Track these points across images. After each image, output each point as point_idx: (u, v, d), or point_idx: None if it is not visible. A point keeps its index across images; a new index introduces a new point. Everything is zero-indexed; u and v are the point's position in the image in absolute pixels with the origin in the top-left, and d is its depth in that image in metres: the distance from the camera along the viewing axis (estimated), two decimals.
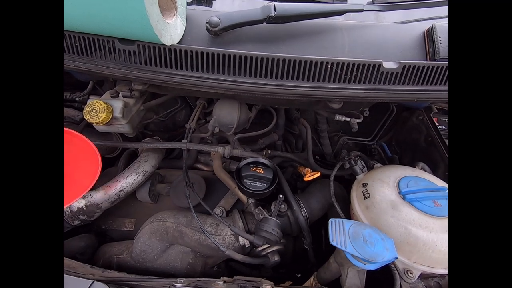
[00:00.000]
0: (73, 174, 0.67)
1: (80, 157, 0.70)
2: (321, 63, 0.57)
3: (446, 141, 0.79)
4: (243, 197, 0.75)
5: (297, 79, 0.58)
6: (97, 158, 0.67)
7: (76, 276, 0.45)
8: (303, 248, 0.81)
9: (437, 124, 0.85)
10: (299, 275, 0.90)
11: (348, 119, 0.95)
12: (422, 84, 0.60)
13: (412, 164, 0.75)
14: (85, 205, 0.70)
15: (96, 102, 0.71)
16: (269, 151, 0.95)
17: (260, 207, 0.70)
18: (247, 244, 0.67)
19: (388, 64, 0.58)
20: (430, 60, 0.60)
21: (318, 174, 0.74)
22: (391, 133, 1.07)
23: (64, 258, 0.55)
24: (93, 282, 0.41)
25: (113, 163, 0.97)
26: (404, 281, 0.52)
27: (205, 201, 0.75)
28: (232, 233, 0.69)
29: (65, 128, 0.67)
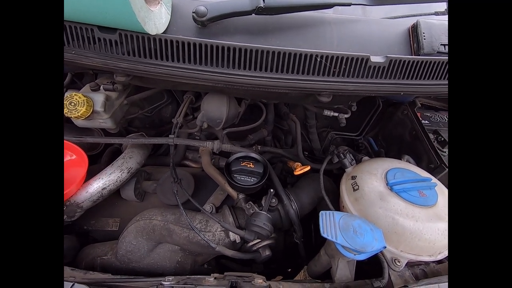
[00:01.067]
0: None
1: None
2: (311, 55, 0.56)
3: (430, 135, 0.82)
4: (233, 193, 0.74)
5: (287, 71, 0.58)
6: (84, 161, 0.66)
7: None
8: (293, 243, 0.81)
9: (420, 118, 0.89)
10: (289, 270, 0.90)
11: (336, 114, 0.96)
12: (407, 78, 0.61)
13: (398, 157, 0.77)
14: (64, 204, 0.66)
15: (75, 95, 0.66)
16: (259, 146, 0.94)
17: (250, 202, 0.69)
18: (238, 240, 0.66)
19: (375, 58, 0.59)
20: (414, 55, 0.61)
21: (308, 168, 0.74)
22: (377, 128, 1.10)
23: None
24: (73, 284, 0.38)
25: (95, 161, 0.93)
26: (392, 269, 0.53)
27: (194, 198, 0.73)
28: (222, 229, 0.68)
29: None
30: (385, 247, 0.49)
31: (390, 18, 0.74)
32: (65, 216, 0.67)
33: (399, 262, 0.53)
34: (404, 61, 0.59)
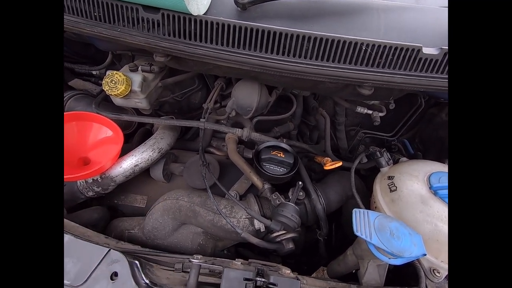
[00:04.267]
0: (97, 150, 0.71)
1: (103, 135, 0.73)
2: (355, 43, 0.53)
3: None
4: (258, 182, 0.73)
5: (327, 59, 0.55)
6: (120, 137, 0.71)
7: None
8: (314, 240, 0.79)
9: None
10: (305, 268, 0.88)
11: (370, 111, 0.90)
12: None
13: (438, 161, 0.70)
14: (100, 177, 0.70)
15: (116, 73, 0.69)
16: (284, 140, 0.92)
17: (277, 193, 0.67)
18: (263, 229, 0.65)
19: (428, 50, 0.53)
20: None
21: (340, 164, 0.70)
22: (415, 130, 1.02)
23: (80, 226, 0.55)
24: (109, 250, 0.40)
25: (127, 140, 0.97)
26: (430, 280, 0.49)
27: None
28: (247, 216, 0.67)
29: (86, 113, 0.72)
30: (425, 255, 0.45)
31: (445, 7, 0.67)
32: (100, 188, 0.71)
33: (438, 273, 0.49)
34: None
